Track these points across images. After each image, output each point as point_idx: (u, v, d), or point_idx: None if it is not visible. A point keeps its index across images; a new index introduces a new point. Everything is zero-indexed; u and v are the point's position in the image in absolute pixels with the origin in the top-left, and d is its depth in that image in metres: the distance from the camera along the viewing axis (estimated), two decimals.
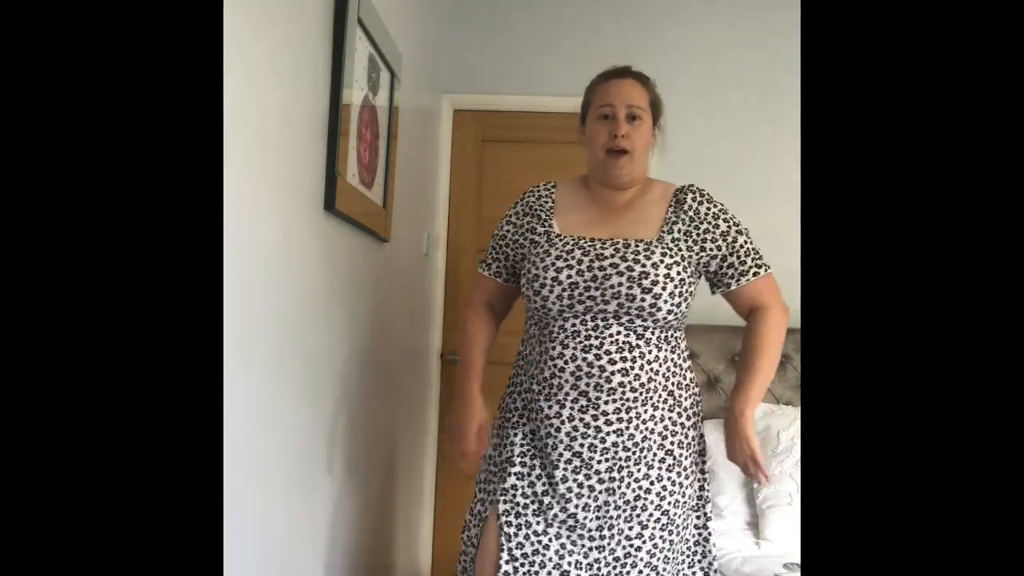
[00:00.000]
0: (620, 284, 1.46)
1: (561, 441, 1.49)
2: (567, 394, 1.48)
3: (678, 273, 1.50)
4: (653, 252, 1.50)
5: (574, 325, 1.49)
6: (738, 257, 1.56)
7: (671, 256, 1.51)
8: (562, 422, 1.48)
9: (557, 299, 1.49)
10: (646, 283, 1.46)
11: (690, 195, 1.58)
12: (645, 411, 1.50)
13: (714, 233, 1.55)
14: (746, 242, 1.56)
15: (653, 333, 1.51)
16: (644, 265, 1.48)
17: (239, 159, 1.22)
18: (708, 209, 1.57)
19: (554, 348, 1.50)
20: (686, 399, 1.58)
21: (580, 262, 1.50)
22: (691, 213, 1.55)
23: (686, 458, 1.58)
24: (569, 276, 1.49)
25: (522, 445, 1.53)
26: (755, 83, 2.82)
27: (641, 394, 1.49)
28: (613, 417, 1.48)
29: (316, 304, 1.64)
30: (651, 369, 1.51)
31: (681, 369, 1.57)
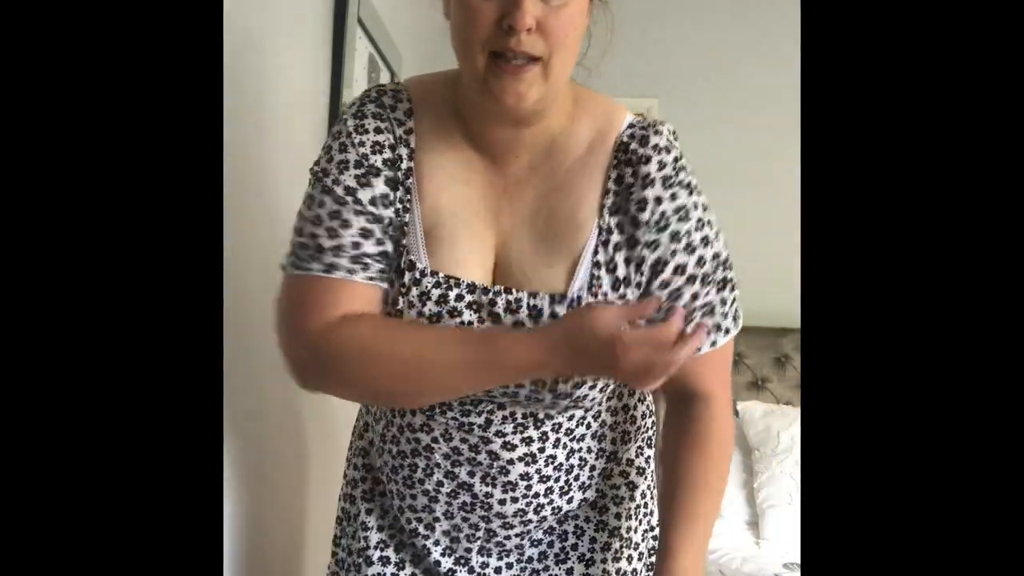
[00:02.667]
0: (529, 392, 0.88)
1: (437, 542, 0.97)
2: (439, 486, 0.94)
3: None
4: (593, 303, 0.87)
5: None
6: (689, 318, 0.90)
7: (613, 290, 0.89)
8: (435, 519, 0.96)
9: None
10: (564, 387, 0.88)
11: (642, 167, 0.87)
12: (568, 497, 0.97)
13: (668, 282, 0.88)
14: (704, 291, 0.90)
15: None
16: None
17: (239, 159, 1.22)
18: (671, 214, 0.87)
19: (413, 414, 0.93)
20: (635, 443, 1.01)
21: (484, 303, 0.88)
22: (644, 217, 0.87)
23: (638, 529, 1.02)
24: (468, 318, 0.88)
25: (380, 530, 1.00)
26: (755, 81, 2.82)
27: (560, 479, 0.95)
28: (514, 520, 0.95)
29: None
30: (574, 438, 0.95)
31: (627, 410, 1.00)
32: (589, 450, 0.98)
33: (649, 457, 1.04)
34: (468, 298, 0.87)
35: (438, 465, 0.93)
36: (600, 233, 0.88)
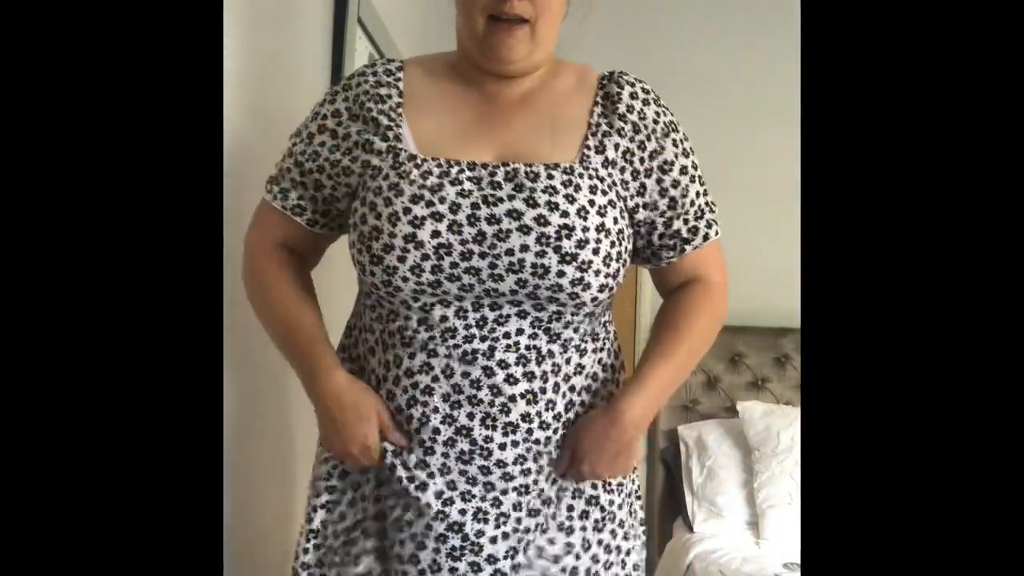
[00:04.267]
0: (526, 247, 0.89)
1: (428, 504, 0.93)
2: (435, 434, 0.92)
3: (616, 221, 0.94)
4: (578, 186, 0.92)
5: (445, 318, 0.91)
6: (686, 215, 1.00)
7: (604, 192, 0.94)
8: (430, 475, 0.93)
9: (414, 274, 0.89)
10: (568, 245, 0.89)
11: (627, 87, 0.98)
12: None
13: (662, 174, 0.97)
14: (699, 190, 1.00)
15: (577, 329, 0.95)
16: (565, 211, 0.90)
17: (239, 159, 1.22)
18: (657, 118, 0.98)
19: (411, 357, 0.93)
20: None
21: (456, 207, 0.90)
22: (633, 119, 0.97)
23: (621, 505, 1.02)
24: (436, 233, 0.89)
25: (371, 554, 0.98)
26: (754, 78, 2.82)
27: (558, 431, 0.96)
28: (515, 469, 0.93)
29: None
30: (573, 388, 0.97)
31: (614, 373, 1.03)
32: (585, 405, 1.00)
33: None
34: (468, 173, 0.93)
35: (436, 410, 0.93)
36: (590, 127, 0.98)
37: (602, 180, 0.94)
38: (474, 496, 0.93)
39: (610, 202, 0.94)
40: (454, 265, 0.89)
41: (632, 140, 0.97)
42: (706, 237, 1.01)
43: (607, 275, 0.93)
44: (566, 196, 0.91)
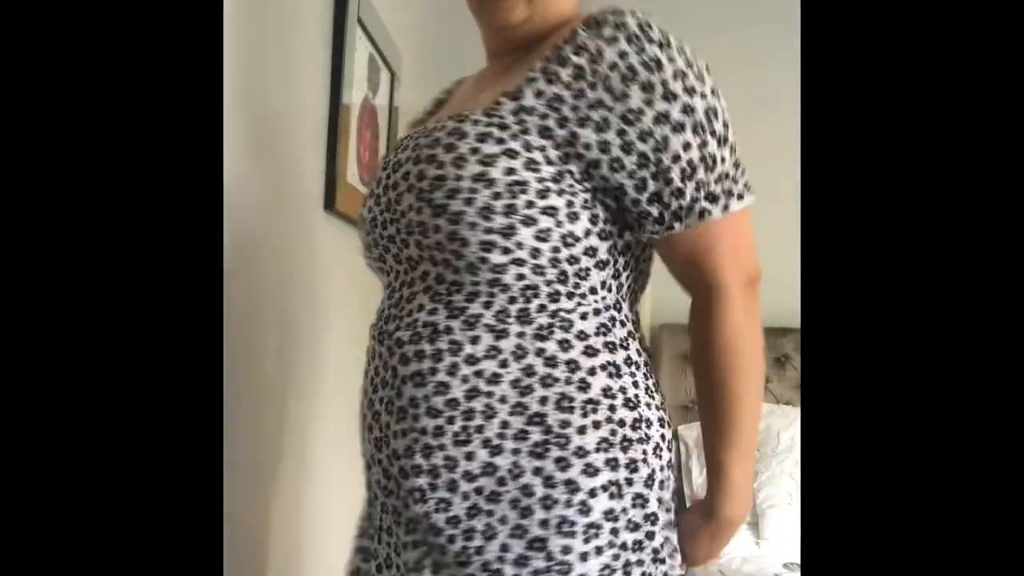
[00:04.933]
0: (410, 206, 0.83)
1: (371, 501, 0.92)
2: (362, 419, 0.90)
3: (510, 172, 0.80)
4: (464, 134, 0.82)
5: (384, 289, 0.93)
6: (667, 176, 0.81)
7: (500, 141, 0.81)
8: (367, 466, 0.91)
9: (363, 245, 0.97)
10: (439, 196, 0.81)
11: (606, 27, 0.81)
12: (468, 453, 0.81)
13: (625, 124, 0.80)
14: (692, 142, 0.81)
15: (489, 305, 0.82)
16: (440, 162, 0.82)
17: (239, 159, 1.22)
18: (623, 58, 0.80)
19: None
20: (589, 424, 0.81)
21: (381, 178, 0.89)
22: (580, 61, 0.81)
23: (588, 557, 0.80)
24: (369, 203, 0.92)
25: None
26: (754, 77, 2.82)
27: (455, 422, 0.81)
28: (407, 464, 0.83)
29: (315, 304, 1.64)
30: (480, 374, 0.81)
31: (577, 368, 0.82)
32: (503, 399, 0.81)
33: (623, 463, 0.82)
34: (411, 143, 0.89)
35: (365, 392, 0.90)
36: (527, 75, 0.85)
37: (504, 128, 0.81)
38: (391, 491, 0.86)
39: (507, 151, 0.80)
40: (379, 236, 0.90)
41: (568, 87, 0.81)
42: (702, 214, 0.84)
43: (490, 230, 0.80)
44: (446, 146, 0.82)
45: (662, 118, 0.81)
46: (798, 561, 2.10)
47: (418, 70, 2.44)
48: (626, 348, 0.87)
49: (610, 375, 0.84)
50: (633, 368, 0.86)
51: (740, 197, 0.89)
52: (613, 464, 0.82)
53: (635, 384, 0.86)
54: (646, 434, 0.84)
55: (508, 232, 0.80)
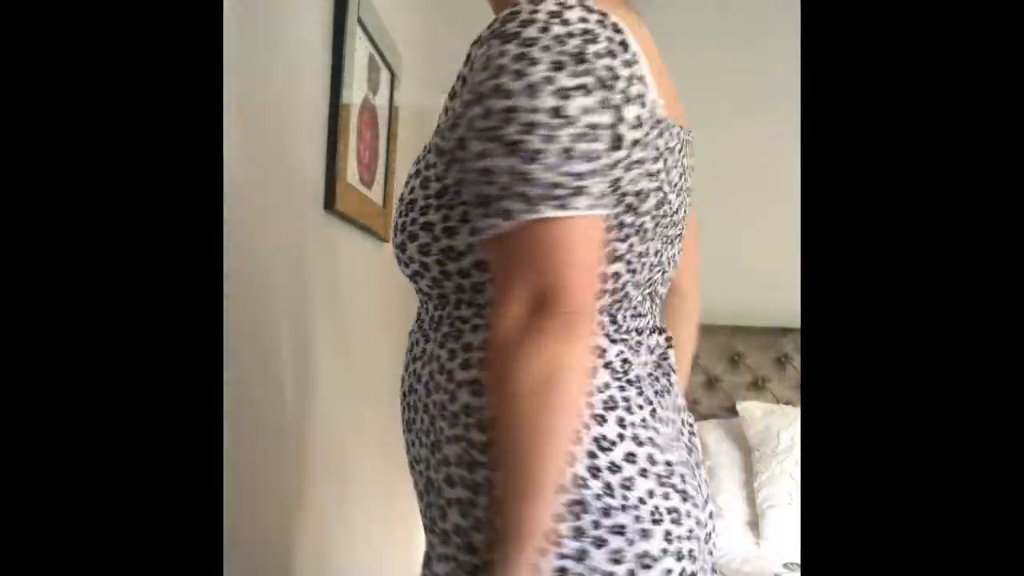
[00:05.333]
0: None
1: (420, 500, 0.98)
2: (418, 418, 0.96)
3: (414, 190, 0.86)
4: (419, 161, 0.88)
5: None
6: (474, 184, 0.76)
7: (425, 154, 0.87)
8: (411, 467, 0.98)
9: None
10: (399, 222, 0.89)
11: (487, 32, 0.79)
12: (433, 447, 0.87)
13: (466, 116, 0.76)
14: (487, 149, 0.73)
15: (431, 312, 0.91)
16: (411, 185, 0.88)
17: (239, 159, 1.22)
18: (485, 58, 0.76)
19: None
20: (450, 439, 0.83)
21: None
22: (466, 69, 0.82)
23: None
24: None
25: None
26: (755, 78, 2.82)
27: (423, 413, 0.89)
28: (454, 473, 0.84)
29: (315, 304, 1.64)
30: (424, 377, 0.89)
31: (451, 379, 0.84)
32: (421, 394, 0.89)
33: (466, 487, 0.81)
34: None
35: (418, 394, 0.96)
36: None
37: (433, 148, 0.84)
38: (429, 504, 0.91)
39: (416, 171, 0.86)
40: None
41: (455, 97, 0.83)
42: (480, 226, 0.76)
43: (400, 244, 0.87)
44: (414, 171, 0.88)
45: (470, 122, 0.76)
46: (798, 561, 2.10)
47: (418, 70, 2.44)
48: None
49: (473, 393, 0.82)
50: None
51: (535, 208, 0.73)
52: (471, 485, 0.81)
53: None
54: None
55: (405, 246, 0.87)
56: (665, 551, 0.81)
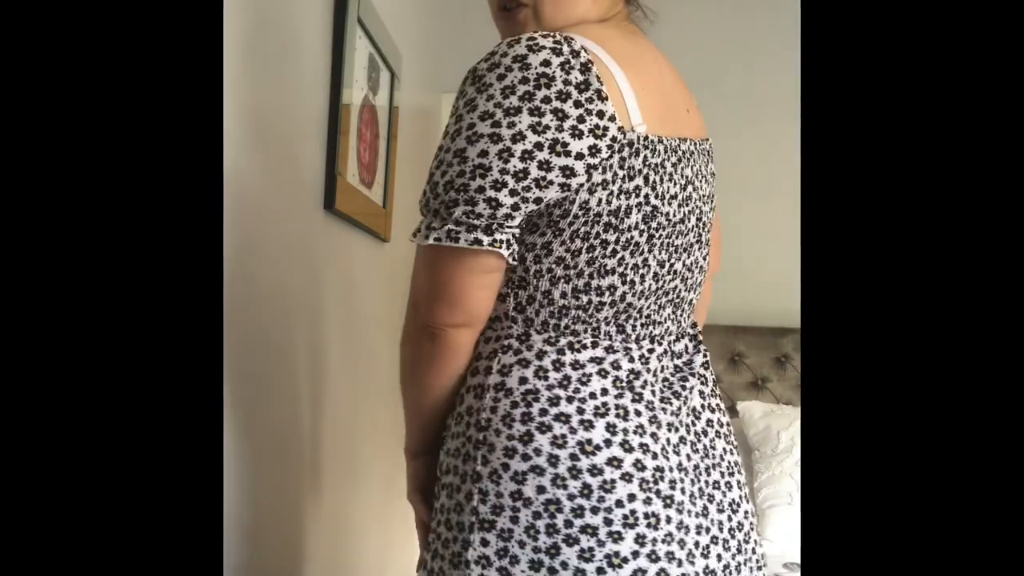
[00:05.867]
0: None
1: None
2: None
3: None
4: None
5: None
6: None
7: None
8: None
9: None
10: None
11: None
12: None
13: None
14: (435, 172, 0.89)
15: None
16: None
17: (239, 159, 1.22)
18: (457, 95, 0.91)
19: None
20: (454, 435, 0.98)
21: None
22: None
23: (439, 523, 0.98)
24: None
25: None
26: (755, 78, 2.82)
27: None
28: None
29: (316, 304, 1.64)
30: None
31: (461, 383, 1.00)
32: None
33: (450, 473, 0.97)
34: None
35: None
36: None
37: None
38: None
39: None
40: None
41: None
42: (415, 234, 0.92)
43: None
44: None
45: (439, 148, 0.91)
46: (798, 561, 2.10)
47: (418, 70, 2.44)
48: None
49: (475, 396, 0.97)
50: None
51: (427, 235, 0.90)
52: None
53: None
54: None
55: None
56: (636, 553, 0.88)
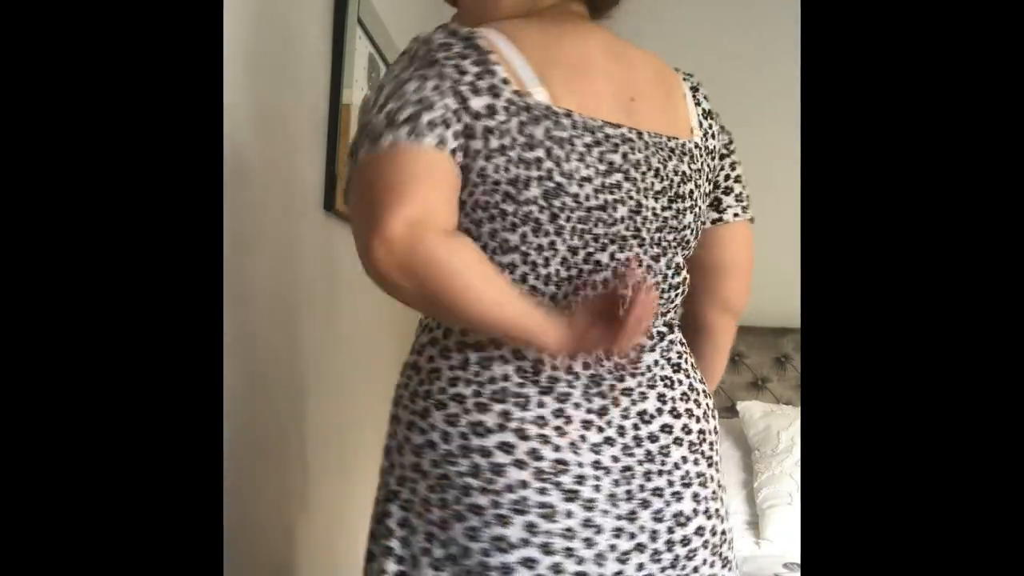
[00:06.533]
0: None
1: None
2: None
3: None
4: None
5: None
6: None
7: None
8: None
9: None
10: None
11: None
12: None
13: None
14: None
15: None
16: None
17: (238, 159, 1.22)
18: None
19: None
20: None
21: None
22: None
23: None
24: None
25: None
26: (754, 78, 2.82)
27: None
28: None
29: (316, 304, 1.64)
30: None
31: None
32: None
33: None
34: None
35: None
36: None
37: None
38: None
39: None
40: None
41: None
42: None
43: None
44: None
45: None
46: (798, 561, 2.10)
47: None
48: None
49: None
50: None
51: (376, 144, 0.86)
52: None
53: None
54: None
55: None
56: (526, 541, 0.88)
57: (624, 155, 0.94)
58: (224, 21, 1.10)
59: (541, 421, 0.90)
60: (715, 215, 1.14)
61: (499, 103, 0.88)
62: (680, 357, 1.02)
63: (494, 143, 0.88)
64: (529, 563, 0.88)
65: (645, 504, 0.93)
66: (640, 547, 0.92)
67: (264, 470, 1.40)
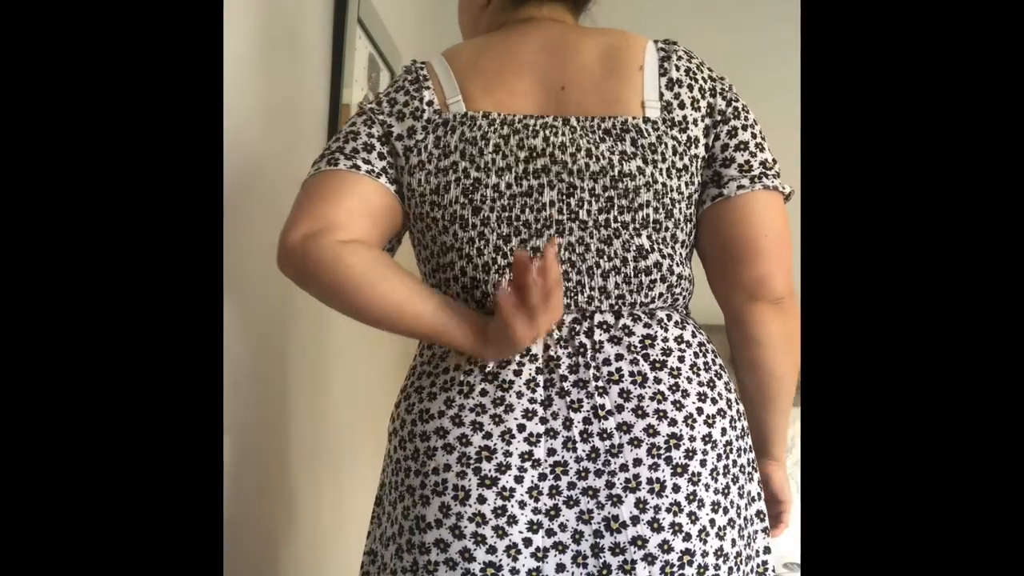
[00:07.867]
0: None
1: None
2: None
3: None
4: None
5: None
6: None
7: None
8: None
9: None
10: None
11: None
12: None
13: None
14: None
15: None
16: None
17: (238, 159, 1.22)
18: None
19: None
20: None
21: None
22: None
23: None
24: None
25: None
26: (754, 78, 2.82)
27: None
28: None
29: (315, 303, 1.64)
30: None
31: None
32: None
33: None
34: None
35: None
36: None
37: None
38: None
39: None
40: None
41: None
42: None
43: None
44: None
45: None
46: (798, 561, 2.10)
47: None
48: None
49: None
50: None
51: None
52: None
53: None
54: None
55: None
56: (440, 522, 0.91)
57: (546, 139, 0.96)
58: (224, 21, 1.10)
59: (480, 408, 0.93)
60: (715, 191, 0.99)
61: (419, 124, 0.98)
62: (668, 354, 0.94)
63: (414, 160, 0.97)
64: (441, 544, 0.90)
65: (571, 502, 0.89)
66: (560, 546, 0.89)
67: (262, 470, 1.40)
